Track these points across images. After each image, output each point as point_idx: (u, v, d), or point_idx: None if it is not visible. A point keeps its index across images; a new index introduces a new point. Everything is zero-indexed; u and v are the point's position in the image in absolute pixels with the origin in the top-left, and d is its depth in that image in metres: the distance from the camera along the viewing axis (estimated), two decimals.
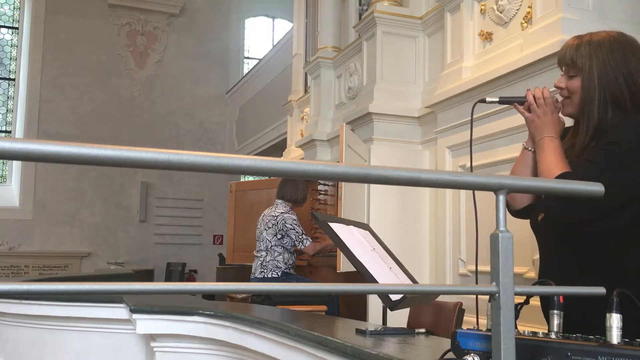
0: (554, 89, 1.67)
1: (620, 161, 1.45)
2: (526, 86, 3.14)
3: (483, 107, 3.53)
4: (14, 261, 11.10)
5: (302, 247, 4.45)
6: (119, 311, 2.77)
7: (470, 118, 1.85)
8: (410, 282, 1.99)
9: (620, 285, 1.08)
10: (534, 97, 1.65)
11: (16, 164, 11.49)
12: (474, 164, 3.63)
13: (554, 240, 1.63)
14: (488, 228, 1.02)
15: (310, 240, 4.52)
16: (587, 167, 1.48)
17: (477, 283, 2.35)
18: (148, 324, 2.47)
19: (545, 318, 1.57)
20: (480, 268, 3.67)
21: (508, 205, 1.71)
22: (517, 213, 1.72)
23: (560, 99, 1.66)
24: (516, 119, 3.25)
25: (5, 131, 11.94)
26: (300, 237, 4.43)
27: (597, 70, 1.54)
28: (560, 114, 1.66)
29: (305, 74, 6.59)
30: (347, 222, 2.03)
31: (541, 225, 1.67)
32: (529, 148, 1.68)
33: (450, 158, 3.92)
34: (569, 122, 1.70)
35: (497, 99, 1.76)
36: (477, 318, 1.91)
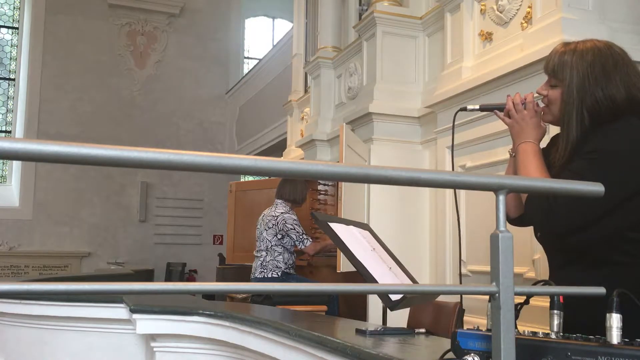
0: (537, 95, 1.67)
1: (601, 170, 1.45)
2: (526, 86, 3.15)
3: None
4: (14, 261, 11.10)
5: (303, 247, 4.45)
6: (119, 311, 2.77)
7: (452, 124, 1.87)
8: (410, 282, 1.99)
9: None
10: (513, 103, 1.65)
11: (16, 164, 11.49)
12: (473, 164, 3.65)
13: (553, 249, 1.64)
14: (488, 228, 1.02)
15: (311, 240, 4.52)
16: (569, 177, 1.47)
17: (460, 282, 2.35)
18: (148, 324, 2.47)
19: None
20: (480, 268, 3.67)
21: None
22: (514, 221, 1.72)
23: (542, 104, 1.65)
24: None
25: (5, 131, 11.94)
26: (301, 237, 4.43)
27: (576, 84, 1.54)
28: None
29: (305, 74, 6.59)
30: (347, 222, 2.03)
31: (538, 237, 1.67)
32: (513, 154, 1.69)
33: (450, 158, 3.92)
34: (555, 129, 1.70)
35: (478, 107, 1.77)
36: (458, 315, 1.91)
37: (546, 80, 1.64)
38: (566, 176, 1.49)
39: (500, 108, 1.69)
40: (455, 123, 4.06)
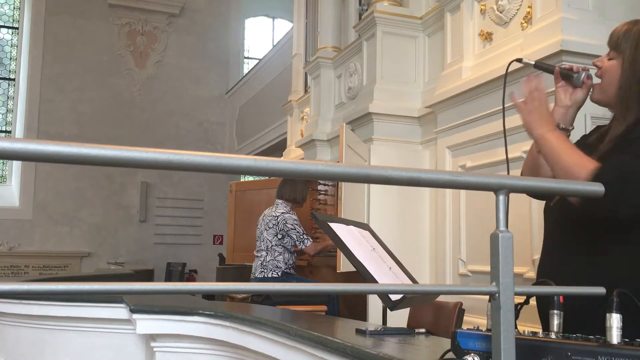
0: (592, 67, 1.59)
1: None
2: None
3: (483, 108, 3.54)
4: (14, 261, 11.10)
5: (303, 247, 4.45)
6: (119, 311, 2.77)
7: (504, 76, 1.69)
8: (410, 282, 1.99)
9: (621, 284, 1.08)
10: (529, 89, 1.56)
11: (16, 164, 11.50)
12: (473, 164, 3.65)
13: (563, 227, 1.54)
14: (488, 228, 1.02)
15: (311, 240, 4.52)
16: (624, 161, 1.36)
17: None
18: (148, 324, 2.47)
19: (540, 318, 1.55)
20: (480, 268, 3.67)
21: None
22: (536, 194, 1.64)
23: (593, 79, 1.57)
24: (516, 119, 3.25)
25: (5, 131, 11.94)
26: (302, 237, 4.43)
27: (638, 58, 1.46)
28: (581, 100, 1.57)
29: (305, 74, 6.59)
30: (347, 222, 2.03)
31: (553, 210, 1.58)
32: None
33: (450, 158, 3.92)
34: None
35: (533, 62, 1.66)
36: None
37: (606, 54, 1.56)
38: (619, 158, 1.37)
39: (553, 71, 1.60)
40: (455, 123, 4.06)
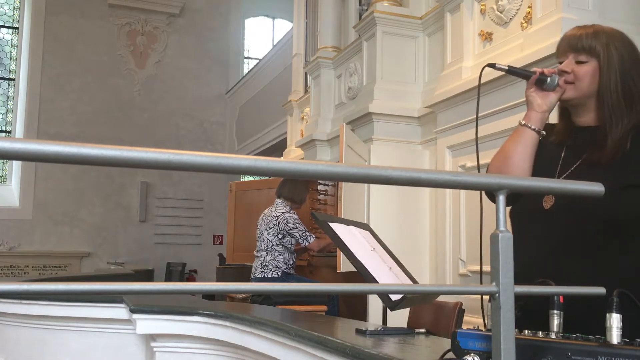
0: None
1: None
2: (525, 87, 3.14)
3: (483, 108, 3.54)
4: (14, 261, 11.09)
5: (307, 244, 4.42)
6: (119, 311, 2.77)
7: (478, 84, 1.67)
8: (410, 282, 1.99)
9: None
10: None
11: (16, 164, 11.49)
12: (473, 164, 3.64)
13: (565, 232, 1.46)
14: (488, 228, 1.02)
15: (314, 237, 4.50)
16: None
17: (480, 282, 2.35)
18: (148, 324, 2.48)
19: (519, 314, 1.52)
20: (483, 268, 3.67)
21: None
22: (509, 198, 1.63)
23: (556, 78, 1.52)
24: (515, 119, 3.25)
25: (5, 131, 11.94)
26: (304, 234, 4.41)
27: (616, 58, 1.46)
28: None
29: (305, 74, 6.59)
30: (347, 222, 2.03)
31: (553, 212, 1.49)
32: (531, 126, 1.54)
33: (450, 158, 3.92)
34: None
35: (507, 68, 1.60)
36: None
37: (569, 59, 1.52)
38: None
39: (527, 76, 1.56)
40: (455, 123, 4.06)
